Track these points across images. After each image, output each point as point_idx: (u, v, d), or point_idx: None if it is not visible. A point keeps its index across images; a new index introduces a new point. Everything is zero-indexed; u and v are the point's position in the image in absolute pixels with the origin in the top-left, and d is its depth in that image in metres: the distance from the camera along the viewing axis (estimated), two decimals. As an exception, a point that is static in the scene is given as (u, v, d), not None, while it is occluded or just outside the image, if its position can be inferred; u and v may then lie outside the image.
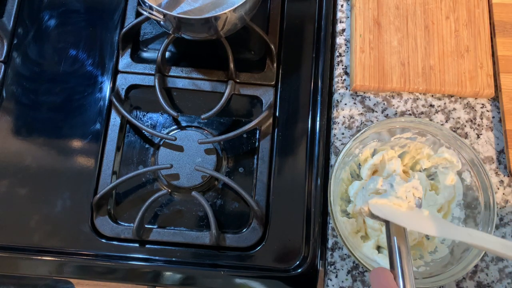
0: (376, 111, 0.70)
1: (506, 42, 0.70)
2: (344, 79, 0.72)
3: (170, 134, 0.71)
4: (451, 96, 0.71)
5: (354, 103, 0.70)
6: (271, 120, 0.72)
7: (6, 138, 0.71)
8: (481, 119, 0.69)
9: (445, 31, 0.71)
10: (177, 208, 0.69)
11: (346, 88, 0.71)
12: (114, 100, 0.71)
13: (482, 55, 0.70)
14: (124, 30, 0.73)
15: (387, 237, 0.53)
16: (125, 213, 0.69)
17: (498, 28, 0.71)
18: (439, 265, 0.59)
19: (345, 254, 0.65)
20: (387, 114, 0.70)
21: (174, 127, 0.73)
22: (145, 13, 0.63)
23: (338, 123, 0.70)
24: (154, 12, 0.63)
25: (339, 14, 0.75)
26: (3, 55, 0.74)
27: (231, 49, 0.71)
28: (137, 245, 0.67)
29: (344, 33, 0.74)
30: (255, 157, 0.71)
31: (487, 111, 0.70)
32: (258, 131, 0.72)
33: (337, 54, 0.73)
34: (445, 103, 0.70)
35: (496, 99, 0.70)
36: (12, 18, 0.76)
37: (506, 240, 0.50)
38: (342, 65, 0.73)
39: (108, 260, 0.66)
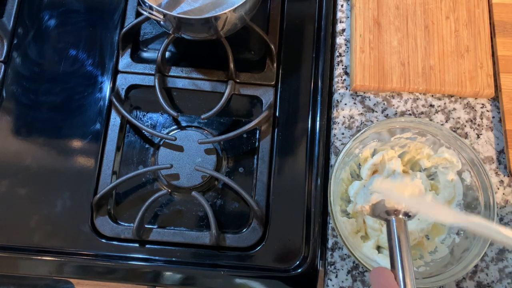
0: (376, 111, 0.70)
1: (506, 42, 0.70)
2: (344, 79, 0.72)
3: (170, 134, 0.71)
4: (451, 96, 0.71)
5: (354, 103, 0.70)
6: (271, 120, 0.72)
7: (6, 138, 0.71)
8: (481, 119, 0.70)
9: (445, 31, 0.71)
10: (177, 208, 0.69)
11: (346, 88, 0.71)
12: (114, 100, 0.71)
13: (482, 55, 0.70)
14: (124, 30, 0.73)
15: (388, 236, 0.53)
16: (125, 213, 0.69)
17: (498, 28, 0.71)
18: (439, 265, 0.59)
19: (345, 254, 0.65)
20: (387, 114, 0.70)
21: (174, 127, 0.73)
22: (145, 13, 0.63)
23: (338, 123, 0.70)
24: (154, 12, 0.63)
25: (339, 14, 0.75)
26: (3, 55, 0.74)
27: (231, 49, 0.71)
28: (137, 245, 0.67)
29: (344, 33, 0.74)
30: (255, 157, 0.71)
31: (487, 111, 0.70)
32: (258, 131, 0.72)
33: (337, 54, 0.73)
34: (445, 103, 0.70)
35: (496, 99, 0.70)
36: (12, 18, 0.76)
37: (503, 227, 0.49)
38: (342, 65, 0.73)
39: (108, 260, 0.66)
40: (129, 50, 0.75)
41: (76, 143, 0.71)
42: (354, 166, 0.65)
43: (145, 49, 0.77)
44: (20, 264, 0.66)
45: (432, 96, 0.71)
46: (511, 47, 0.70)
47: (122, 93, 0.73)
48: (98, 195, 0.66)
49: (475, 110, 0.70)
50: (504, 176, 0.67)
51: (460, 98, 0.70)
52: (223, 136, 0.69)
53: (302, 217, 0.68)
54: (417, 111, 0.70)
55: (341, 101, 0.71)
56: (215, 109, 0.70)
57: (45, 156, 0.70)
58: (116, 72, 0.74)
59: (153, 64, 0.74)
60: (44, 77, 0.74)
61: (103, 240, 0.67)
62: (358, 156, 0.64)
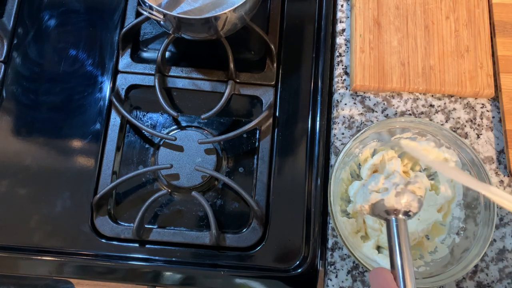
0: (376, 111, 0.70)
1: (506, 42, 0.70)
2: (344, 79, 0.72)
3: (170, 134, 0.71)
4: (451, 96, 0.71)
5: (354, 103, 0.70)
6: (271, 120, 0.72)
7: (6, 138, 0.71)
8: (481, 119, 0.70)
9: (445, 31, 0.71)
10: (177, 208, 0.69)
11: (346, 88, 0.71)
12: (114, 100, 0.71)
13: (482, 55, 0.70)
14: (124, 30, 0.73)
15: (388, 236, 0.53)
16: (125, 213, 0.69)
17: (498, 28, 0.71)
18: (439, 265, 0.59)
19: (345, 254, 0.65)
20: (387, 114, 0.70)
21: (174, 127, 0.73)
22: (145, 13, 0.63)
23: (338, 123, 0.70)
24: (154, 12, 0.63)
25: (339, 14, 0.75)
26: (3, 55, 0.74)
27: (231, 49, 0.71)
28: (137, 245, 0.67)
29: (344, 33, 0.74)
30: (255, 157, 0.71)
31: (487, 111, 0.70)
32: (258, 131, 0.72)
33: (337, 54, 0.73)
34: (445, 103, 0.70)
35: (496, 99, 0.70)
36: (12, 18, 0.76)
37: None
38: (342, 65, 0.73)
39: (108, 260, 0.66)
40: (129, 50, 0.75)
41: (76, 143, 0.71)
42: (354, 166, 0.65)
43: (145, 49, 0.77)
44: (20, 264, 0.66)
45: (432, 96, 0.71)
46: (511, 47, 0.70)
47: (122, 93, 0.73)
48: (98, 195, 0.66)
49: (475, 110, 0.70)
50: (504, 176, 0.67)
51: (460, 98, 0.70)
52: (223, 136, 0.69)
53: (302, 217, 0.68)
54: (417, 111, 0.70)
55: (341, 101, 0.71)
56: (215, 109, 0.70)
57: (45, 156, 0.70)
58: (116, 72, 0.74)
59: (153, 64, 0.74)
60: (44, 77, 0.74)
61: (103, 240, 0.67)
62: (358, 156, 0.64)
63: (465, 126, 0.69)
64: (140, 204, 0.66)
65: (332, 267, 0.64)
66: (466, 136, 0.69)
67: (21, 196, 0.68)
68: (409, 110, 0.70)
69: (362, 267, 0.64)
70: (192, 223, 0.69)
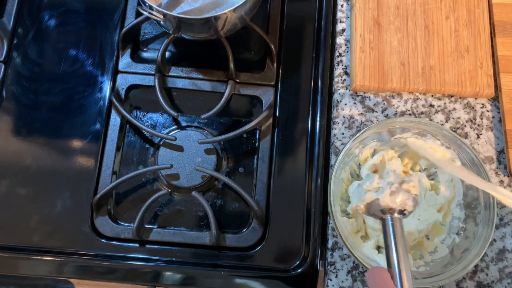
0: (376, 111, 0.70)
1: (506, 42, 0.70)
2: (344, 79, 0.72)
3: (170, 134, 0.71)
4: (451, 96, 0.71)
5: (354, 103, 0.70)
6: (271, 120, 0.72)
7: (6, 138, 0.71)
8: (481, 119, 0.69)
9: (445, 31, 0.71)
10: (177, 208, 0.69)
11: (346, 88, 0.71)
12: (114, 100, 0.71)
13: (482, 55, 0.70)
14: (124, 30, 0.73)
15: (384, 235, 0.53)
16: (125, 213, 0.69)
17: (498, 28, 0.71)
18: (439, 265, 0.59)
19: (345, 254, 0.65)
20: (387, 114, 0.70)
21: (174, 127, 0.73)
22: (145, 13, 0.63)
23: (338, 123, 0.70)
24: (154, 12, 0.63)
25: (339, 14, 0.75)
26: (3, 55, 0.74)
27: (231, 49, 0.71)
28: (137, 245, 0.67)
29: (344, 33, 0.74)
30: (255, 157, 0.71)
31: (487, 111, 0.70)
32: (258, 131, 0.72)
33: (337, 54, 0.73)
34: (445, 103, 0.70)
35: (496, 99, 0.70)
36: (12, 18, 0.76)
37: None
38: (342, 65, 0.73)
39: (108, 260, 0.66)
40: (129, 50, 0.75)
41: (76, 143, 0.71)
42: (354, 166, 0.65)
43: (145, 49, 0.77)
44: (20, 264, 0.66)
45: (432, 96, 0.71)
46: (511, 47, 0.70)
47: (122, 93, 0.73)
48: (98, 195, 0.66)
49: (475, 110, 0.70)
50: (504, 176, 0.67)
51: (460, 98, 0.70)
52: (223, 136, 0.69)
53: (302, 217, 0.68)
54: (417, 111, 0.70)
55: (341, 101, 0.71)
56: (215, 109, 0.70)
57: (45, 156, 0.70)
58: (116, 72, 0.74)
59: (153, 64, 0.74)
60: (44, 77, 0.74)
61: (103, 240, 0.67)
62: (358, 156, 0.64)
63: (465, 126, 0.69)
64: (140, 204, 0.66)
65: (332, 267, 0.64)
66: (466, 136, 0.69)
67: (21, 196, 0.68)
68: (409, 110, 0.70)
69: (362, 267, 0.64)
70: (192, 223, 0.69)
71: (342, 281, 0.64)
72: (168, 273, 0.66)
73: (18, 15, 0.77)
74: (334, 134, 0.69)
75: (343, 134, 0.69)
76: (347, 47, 0.73)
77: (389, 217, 0.53)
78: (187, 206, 0.69)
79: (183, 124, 0.73)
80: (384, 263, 0.57)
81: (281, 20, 0.77)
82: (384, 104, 0.70)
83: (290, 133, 0.72)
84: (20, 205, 0.68)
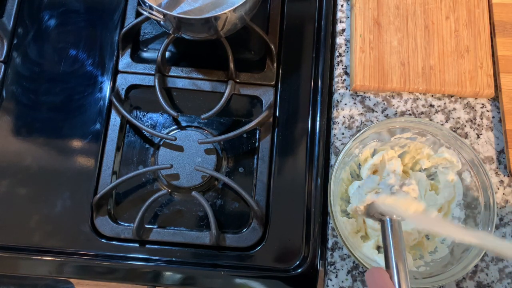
0: (376, 111, 0.70)
1: (506, 42, 0.70)
2: (344, 79, 0.72)
3: (170, 134, 0.71)
4: (451, 96, 0.71)
5: (354, 103, 0.70)
6: (271, 120, 0.72)
7: (6, 138, 0.71)
8: (481, 119, 0.70)
9: (445, 31, 0.71)
10: (177, 208, 0.69)
11: (346, 88, 0.71)
12: (114, 100, 0.71)
13: (482, 55, 0.70)
14: (124, 30, 0.73)
15: (383, 236, 0.53)
16: (125, 213, 0.69)
17: (498, 28, 0.71)
18: (439, 265, 0.59)
19: (345, 254, 0.65)
20: (387, 114, 0.70)
21: (174, 127, 0.73)
22: (145, 13, 0.63)
23: (338, 123, 0.70)
24: (154, 12, 0.63)
25: (339, 14, 0.75)
26: (3, 55, 0.74)
27: (231, 49, 0.71)
28: (137, 245, 0.67)
29: (344, 33, 0.74)
30: (255, 157, 0.71)
31: (487, 111, 0.70)
32: (258, 131, 0.72)
33: (337, 54, 0.73)
34: (445, 103, 0.70)
35: (496, 99, 0.70)
36: (12, 18, 0.76)
37: (509, 242, 0.49)
38: (342, 65, 0.73)
39: (108, 260, 0.66)
40: (129, 50, 0.75)
41: (76, 143, 0.71)
42: (354, 166, 0.65)
43: (145, 49, 0.77)
44: (20, 264, 0.66)
45: (432, 96, 0.71)
46: (511, 47, 0.70)
47: (122, 93, 0.73)
48: (98, 195, 0.66)
49: (475, 110, 0.70)
50: (504, 176, 0.67)
51: (460, 98, 0.70)
52: (223, 136, 0.69)
53: (302, 217, 0.68)
54: (417, 111, 0.70)
55: (341, 101, 0.71)
56: (215, 109, 0.70)
57: (45, 156, 0.70)
58: (116, 72, 0.74)
59: (153, 64, 0.74)
60: (44, 77, 0.74)
61: (103, 240, 0.67)
62: (358, 156, 0.64)
63: (465, 126, 0.69)
64: (140, 204, 0.66)
65: (332, 267, 0.64)
66: (466, 136, 0.69)
67: (21, 196, 0.68)
68: (409, 110, 0.70)
69: (362, 267, 0.64)
70: (192, 223, 0.69)
71: (342, 281, 0.64)
72: (168, 273, 0.66)
73: (18, 15, 0.77)
74: (334, 134, 0.69)
75: (343, 134, 0.69)
76: (347, 47, 0.73)
77: (388, 219, 0.53)
78: (187, 206, 0.69)
79: (183, 124, 0.73)
80: (383, 263, 0.58)
81: (281, 20, 0.77)
82: (384, 104, 0.70)
83: (290, 133, 0.72)
84: (20, 205, 0.68)
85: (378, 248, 0.62)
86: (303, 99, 0.73)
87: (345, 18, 0.75)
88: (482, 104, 0.70)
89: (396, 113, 0.70)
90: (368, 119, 0.70)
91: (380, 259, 0.59)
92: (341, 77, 0.72)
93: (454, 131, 0.68)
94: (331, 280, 0.64)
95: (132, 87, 0.74)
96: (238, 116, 0.74)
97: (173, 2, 0.70)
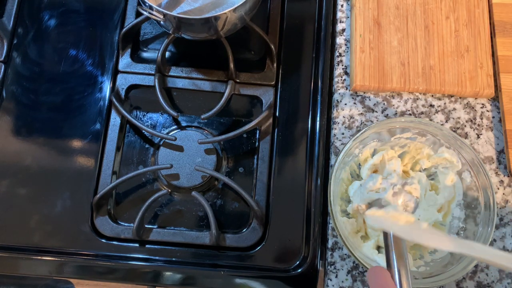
0: (376, 111, 0.70)
1: (506, 42, 0.70)
2: (344, 79, 0.72)
3: (170, 134, 0.71)
4: (451, 96, 0.71)
5: (354, 103, 0.70)
6: (271, 120, 0.72)
7: (6, 138, 0.71)
8: (481, 119, 0.70)
9: (445, 31, 0.71)
10: (177, 208, 0.69)
11: (346, 88, 0.71)
12: (114, 100, 0.71)
13: (482, 55, 0.70)
14: (124, 30, 0.73)
15: (384, 236, 0.53)
16: (125, 213, 0.69)
17: (498, 28, 0.71)
18: (439, 265, 0.59)
19: (345, 254, 0.65)
20: (387, 114, 0.70)
21: (174, 127, 0.73)
22: (145, 13, 0.63)
23: (338, 123, 0.70)
24: (154, 12, 0.63)
25: (339, 14, 0.75)
26: (3, 55, 0.74)
27: (231, 49, 0.71)
28: (137, 245, 0.67)
29: (344, 33, 0.74)
30: (255, 157, 0.71)
31: (487, 111, 0.70)
32: (258, 131, 0.72)
33: (337, 54, 0.73)
34: (445, 103, 0.70)
35: (496, 99, 0.70)
36: (12, 18, 0.76)
37: (507, 253, 0.48)
38: (342, 65, 0.73)
39: (108, 260, 0.66)
40: (129, 50, 0.75)
41: (76, 143, 0.71)
42: (354, 166, 0.65)
43: (145, 49, 0.77)
44: (20, 264, 0.66)
45: (432, 96, 0.71)
46: (511, 47, 0.70)
47: (122, 93, 0.73)
48: (98, 195, 0.66)
49: (475, 110, 0.70)
50: (504, 176, 0.67)
51: (460, 98, 0.70)
52: (223, 136, 0.69)
53: (302, 217, 0.68)
54: (417, 111, 0.70)
55: (341, 101, 0.71)
56: (215, 109, 0.70)
57: (45, 156, 0.70)
58: (116, 72, 0.74)
59: (153, 64, 0.74)
60: (44, 77, 0.74)
61: (103, 240, 0.67)
62: (358, 156, 0.64)
63: (465, 126, 0.69)
64: (140, 204, 0.66)
65: (332, 267, 0.64)
66: (466, 136, 0.69)
67: (21, 196, 0.68)
68: (409, 110, 0.70)
69: (362, 267, 0.64)
70: (192, 223, 0.69)
71: (342, 281, 0.64)
72: (168, 273, 0.66)
73: (18, 15, 0.77)
74: (334, 134, 0.69)
75: (343, 134, 0.69)
76: (347, 47, 0.73)
77: None
78: (187, 206, 0.69)
79: (183, 124, 0.73)
80: (384, 263, 0.57)
81: (281, 20, 0.77)
82: (384, 104, 0.70)
83: (290, 133, 0.72)
84: (20, 205, 0.68)
85: (378, 248, 0.62)
86: (303, 99, 0.73)
87: (345, 18, 0.75)
88: (482, 104, 0.70)
89: (396, 113, 0.70)
90: (368, 119, 0.70)
91: (380, 259, 0.59)
92: (341, 77, 0.72)
93: (454, 131, 0.68)
94: (331, 280, 0.64)
95: (132, 87, 0.74)
96: (238, 116, 0.74)
97: (173, 2, 0.70)
